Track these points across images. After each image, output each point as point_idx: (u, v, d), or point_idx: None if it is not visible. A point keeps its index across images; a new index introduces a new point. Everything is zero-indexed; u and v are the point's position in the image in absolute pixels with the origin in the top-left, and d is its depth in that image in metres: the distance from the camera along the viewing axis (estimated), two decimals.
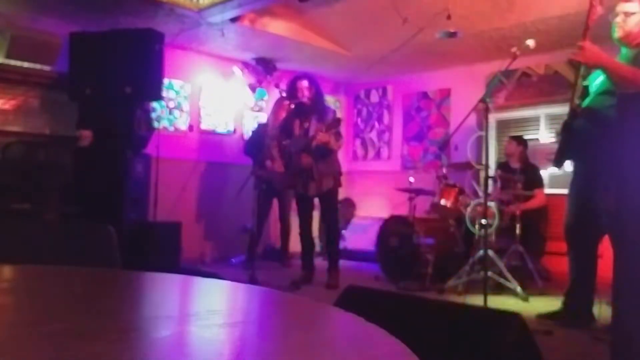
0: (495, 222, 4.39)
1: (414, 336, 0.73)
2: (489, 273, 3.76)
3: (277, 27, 5.63)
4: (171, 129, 6.05)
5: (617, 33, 3.00)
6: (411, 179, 5.17)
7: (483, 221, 3.95)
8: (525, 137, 5.40)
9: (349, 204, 7.27)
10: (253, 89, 6.68)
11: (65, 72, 4.73)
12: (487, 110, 3.48)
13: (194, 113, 6.28)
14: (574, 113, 3.12)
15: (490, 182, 4.10)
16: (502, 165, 5.24)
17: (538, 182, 4.94)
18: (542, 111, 6.06)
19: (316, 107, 4.64)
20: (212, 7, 4.90)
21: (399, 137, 7.32)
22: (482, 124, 4.73)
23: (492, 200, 4.41)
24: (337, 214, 4.88)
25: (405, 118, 7.27)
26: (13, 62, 4.98)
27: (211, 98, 6.43)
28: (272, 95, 6.68)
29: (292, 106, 4.67)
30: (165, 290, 1.17)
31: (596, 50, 2.84)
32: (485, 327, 1.17)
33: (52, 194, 4.72)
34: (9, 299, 0.98)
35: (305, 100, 4.60)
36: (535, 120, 6.14)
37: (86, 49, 4.60)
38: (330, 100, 7.09)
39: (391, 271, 4.94)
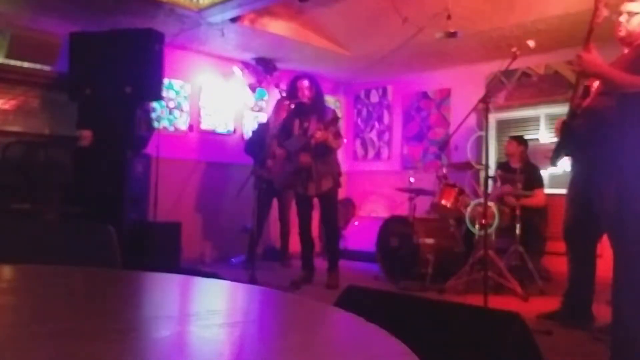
0: (495, 222, 4.39)
1: (414, 336, 0.73)
2: (489, 273, 3.75)
3: (277, 27, 5.63)
4: (171, 129, 6.05)
5: (620, 33, 3.00)
6: (411, 179, 5.17)
7: (483, 221, 3.95)
8: (525, 137, 5.40)
9: (349, 204, 7.27)
10: (253, 89, 6.68)
11: (65, 72, 4.73)
12: (487, 110, 3.48)
13: (194, 113, 6.28)
14: (573, 113, 3.12)
15: (490, 182, 4.10)
16: (502, 165, 5.24)
17: (538, 182, 4.94)
18: (542, 111, 6.05)
19: (316, 107, 4.64)
20: (212, 7, 4.90)
21: (399, 137, 7.32)
22: (482, 124, 4.73)
23: (492, 200, 4.42)
24: (336, 214, 4.87)
25: (405, 118, 7.27)
26: (13, 62, 4.98)
27: (211, 98, 6.43)
28: (272, 95, 6.68)
29: (292, 106, 4.67)
30: (165, 290, 1.17)
31: (593, 59, 2.83)
32: (485, 327, 1.17)
33: (52, 194, 4.72)
34: (9, 299, 0.98)
35: (305, 100, 4.60)
36: (535, 120, 6.13)
37: (86, 49, 4.60)
38: (330, 100, 7.10)
39: (391, 271, 4.94)
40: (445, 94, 6.83)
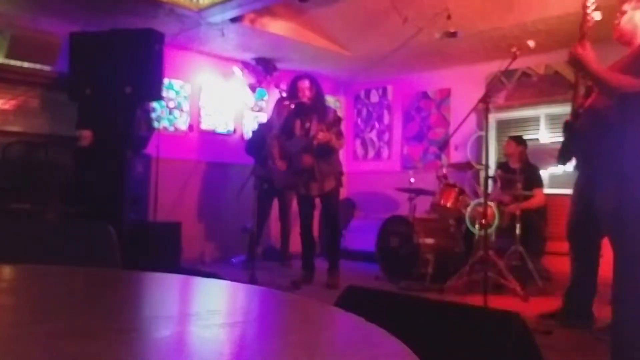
0: (495, 222, 4.39)
1: (414, 336, 0.73)
2: (489, 273, 3.75)
3: (277, 27, 5.63)
4: (171, 129, 6.05)
5: (614, 33, 3.01)
6: (411, 179, 5.18)
7: (483, 221, 3.95)
8: (525, 137, 5.39)
9: (349, 204, 7.27)
10: (253, 89, 6.68)
11: (65, 72, 4.73)
12: (487, 110, 3.48)
13: (194, 113, 6.28)
14: (576, 113, 3.13)
15: (490, 182, 4.10)
16: (502, 165, 5.24)
17: (538, 182, 4.94)
18: (542, 111, 6.05)
19: (317, 107, 4.64)
20: (212, 7, 4.90)
21: (399, 137, 7.32)
22: (482, 124, 4.73)
23: (492, 200, 4.42)
24: (338, 214, 4.87)
25: (405, 118, 7.27)
26: (13, 62, 4.98)
27: (211, 98, 6.43)
28: (272, 95, 6.68)
29: (292, 106, 4.67)
30: (165, 290, 1.17)
31: (586, 56, 2.81)
32: (485, 327, 1.17)
33: (52, 194, 4.73)
34: (8, 299, 0.98)
35: (305, 100, 4.60)
36: (535, 120, 6.13)
37: (86, 49, 4.60)
38: (330, 100, 7.09)
39: (391, 271, 4.94)
40: (445, 94, 6.83)
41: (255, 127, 6.52)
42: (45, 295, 1.01)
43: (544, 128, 6.04)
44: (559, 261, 5.26)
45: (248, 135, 6.56)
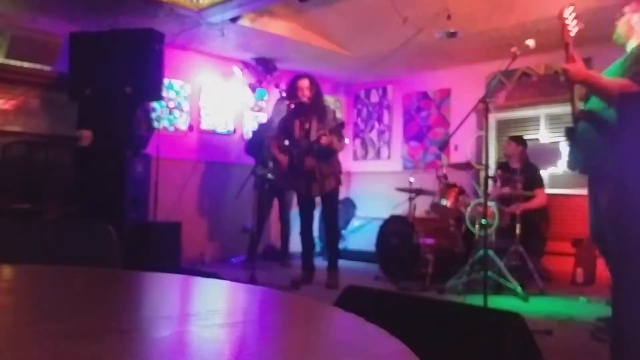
0: (495, 222, 4.39)
1: (414, 336, 0.73)
2: (489, 273, 3.75)
3: (277, 27, 5.63)
4: (171, 129, 6.05)
5: (613, 34, 3.10)
6: (411, 179, 5.17)
7: (483, 221, 3.95)
8: (525, 137, 5.40)
9: (349, 204, 7.27)
10: (253, 89, 6.68)
11: (65, 72, 4.73)
12: (487, 110, 3.48)
13: (194, 113, 6.28)
14: (576, 119, 3.17)
15: (490, 182, 4.10)
16: (502, 165, 5.24)
17: (538, 182, 4.94)
18: (542, 111, 6.05)
19: (316, 107, 4.63)
20: (212, 7, 4.90)
21: (399, 137, 7.32)
22: (482, 124, 4.73)
23: (492, 200, 4.42)
24: (337, 214, 4.89)
25: (405, 118, 7.27)
26: (13, 62, 4.98)
27: (211, 98, 6.43)
28: (272, 95, 6.68)
29: (292, 106, 4.67)
30: (165, 290, 1.17)
31: (577, 69, 2.91)
32: (485, 327, 1.17)
33: (52, 194, 4.73)
34: (9, 299, 0.98)
35: (305, 100, 4.60)
36: (535, 120, 6.14)
37: (86, 49, 4.59)
38: (330, 100, 7.09)
39: (391, 271, 4.94)
40: (445, 94, 6.83)
41: (255, 127, 6.52)
42: (45, 295, 1.01)
43: (544, 128, 6.04)
44: (559, 261, 5.27)
45: (248, 135, 6.56)
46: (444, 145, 6.06)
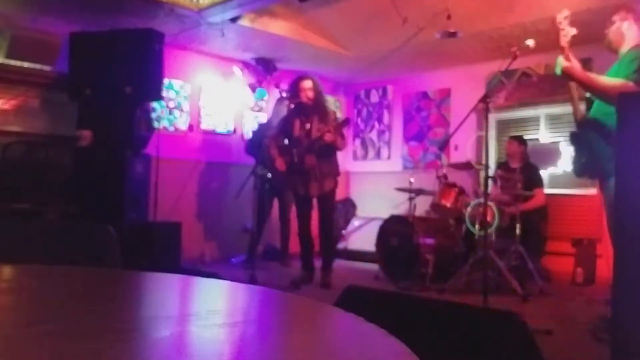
0: (495, 222, 4.39)
1: (414, 336, 0.73)
2: (489, 273, 3.75)
3: (277, 27, 5.63)
4: (171, 129, 6.05)
5: (604, 41, 3.20)
6: (411, 179, 5.17)
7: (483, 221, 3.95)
8: (525, 137, 5.40)
9: (349, 204, 7.27)
10: (253, 89, 6.68)
11: (65, 72, 4.73)
12: (487, 110, 3.49)
13: (194, 113, 6.28)
14: (579, 124, 3.20)
15: (490, 182, 4.10)
16: (502, 165, 5.24)
17: (538, 182, 4.95)
18: (542, 111, 6.06)
19: (318, 107, 4.62)
20: (212, 7, 4.90)
21: (399, 137, 7.32)
22: (482, 124, 4.73)
23: (492, 200, 4.42)
24: (334, 213, 4.88)
25: (405, 118, 7.27)
26: (13, 62, 4.98)
27: (211, 98, 6.43)
28: (272, 95, 6.68)
29: (292, 106, 4.67)
30: (165, 290, 1.17)
31: (572, 68, 3.02)
32: (485, 327, 1.17)
33: (52, 194, 4.72)
34: (8, 299, 0.98)
35: (306, 100, 4.58)
36: (535, 120, 6.14)
37: (86, 49, 4.59)
38: (330, 100, 7.08)
39: (391, 271, 4.94)
40: (445, 94, 6.83)
41: (255, 127, 6.52)
42: (45, 295, 1.01)
43: (544, 128, 6.04)
44: (559, 261, 5.27)
45: (248, 135, 6.56)
46: (444, 145, 6.05)
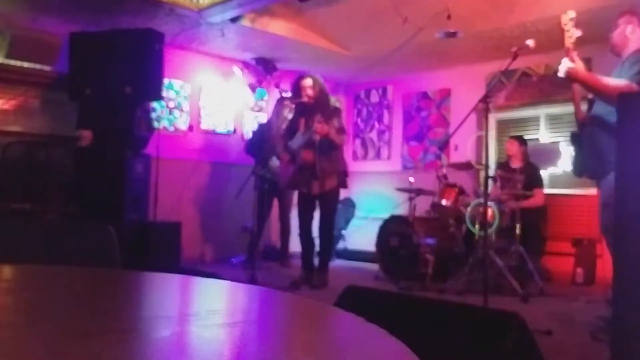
0: (495, 222, 4.39)
1: (414, 336, 0.73)
2: (489, 273, 3.75)
3: (277, 27, 5.63)
4: (171, 129, 6.05)
5: (609, 44, 3.24)
6: (411, 179, 5.17)
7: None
8: (525, 137, 5.40)
9: (349, 203, 7.27)
10: (253, 89, 6.68)
11: (65, 72, 4.73)
12: (487, 110, 3.49)
13: (194, 113, 6.28)
14: (580, 125, 3.21)
15: (490, 182, 4.10)
16: (502, 165, 5.24)
17: (538, 182, 4.94)
18: (542, 111, 6.05)
19: (320, 105, 4.59)
20: (212, 7, 4.90)
21: (399, 137, 7.32)
22: (482, 124, 4.73)
23: (492, 200, 4.41)
24: (334, 214, 4.82)
25: (405, 118, 7.27)
26: (13, 62, 4.98)
27: (211, 98, 6.43)
28: (272, 95, 6.68)
29: (293, 106, 4.66)
30: (165, 290, 1.17)
31: (575, 69, 3.06)
32: (485, 327, 1.17)
33: (52, 194, 4.73)
34: (8, 299, 0.98)
35: (307, 99, 4.57)
36: (535, 120, 6.13)
37: (86, 49, 4.60)
38: (331, 99, 7.09)
39: (391, 271, 4.94)
40: (445, 94, 6.83)
41: (255, 127, 6.52)
42: (45, 295, 1.01)
43: (544, 128, 6.04)
44: (559, 261, 5.27)
45: (248, 135, 6.56)
46: (444, 145, 6.06)
